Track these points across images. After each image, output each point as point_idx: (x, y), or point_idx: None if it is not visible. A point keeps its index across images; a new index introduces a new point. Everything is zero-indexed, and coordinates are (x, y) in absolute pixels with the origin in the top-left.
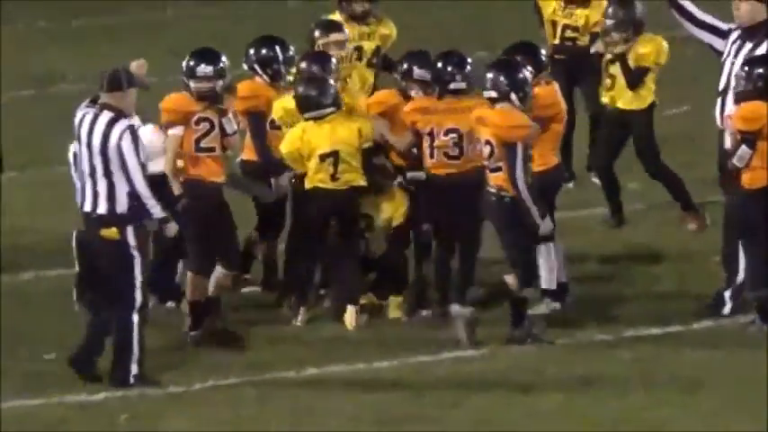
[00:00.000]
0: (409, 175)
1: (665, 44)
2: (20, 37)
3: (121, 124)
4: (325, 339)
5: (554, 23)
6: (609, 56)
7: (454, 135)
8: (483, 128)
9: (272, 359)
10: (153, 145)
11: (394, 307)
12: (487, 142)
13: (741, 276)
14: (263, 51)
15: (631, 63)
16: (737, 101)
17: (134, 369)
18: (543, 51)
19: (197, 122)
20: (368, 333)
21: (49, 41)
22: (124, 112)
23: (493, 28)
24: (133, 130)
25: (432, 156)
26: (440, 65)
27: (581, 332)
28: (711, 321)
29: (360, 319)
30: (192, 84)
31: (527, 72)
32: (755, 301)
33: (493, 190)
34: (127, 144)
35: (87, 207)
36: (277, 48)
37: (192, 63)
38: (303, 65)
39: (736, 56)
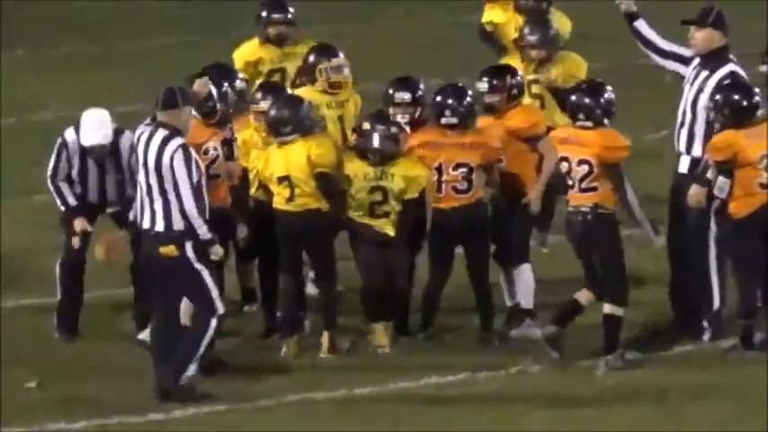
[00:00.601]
0: None
1: (582, 59)
2: (2, 65)
3: (174, 142)
4: (307, 366)
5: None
6: (531, 76)
7: (464, 170)
8: (578, 148)
9: (252, 386)
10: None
11: (380, 333)
12: (583, 162)
13: (717, 302)
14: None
15: (559, 82)
16: (708, 134)
17: (192, 369)
18: (520, 72)
19: (205, 151)
20: (349, 359)
21: (31, 69)
22: (180, 130)
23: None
24: (186, 149)
25: (440, 190)
26: (438, 98)
27: (563, 357)
28: (692, 346)
29: (340, 346)
30: (223, 106)
31: (610, 92)
32: (744, 329)
33: (585, 209)
34: (178, 162)
35: (146, 224)
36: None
37: (229, 85)
38: (258, 95)
39: (692, 83)
